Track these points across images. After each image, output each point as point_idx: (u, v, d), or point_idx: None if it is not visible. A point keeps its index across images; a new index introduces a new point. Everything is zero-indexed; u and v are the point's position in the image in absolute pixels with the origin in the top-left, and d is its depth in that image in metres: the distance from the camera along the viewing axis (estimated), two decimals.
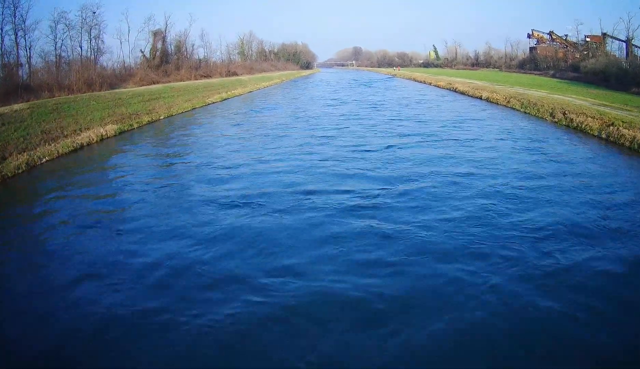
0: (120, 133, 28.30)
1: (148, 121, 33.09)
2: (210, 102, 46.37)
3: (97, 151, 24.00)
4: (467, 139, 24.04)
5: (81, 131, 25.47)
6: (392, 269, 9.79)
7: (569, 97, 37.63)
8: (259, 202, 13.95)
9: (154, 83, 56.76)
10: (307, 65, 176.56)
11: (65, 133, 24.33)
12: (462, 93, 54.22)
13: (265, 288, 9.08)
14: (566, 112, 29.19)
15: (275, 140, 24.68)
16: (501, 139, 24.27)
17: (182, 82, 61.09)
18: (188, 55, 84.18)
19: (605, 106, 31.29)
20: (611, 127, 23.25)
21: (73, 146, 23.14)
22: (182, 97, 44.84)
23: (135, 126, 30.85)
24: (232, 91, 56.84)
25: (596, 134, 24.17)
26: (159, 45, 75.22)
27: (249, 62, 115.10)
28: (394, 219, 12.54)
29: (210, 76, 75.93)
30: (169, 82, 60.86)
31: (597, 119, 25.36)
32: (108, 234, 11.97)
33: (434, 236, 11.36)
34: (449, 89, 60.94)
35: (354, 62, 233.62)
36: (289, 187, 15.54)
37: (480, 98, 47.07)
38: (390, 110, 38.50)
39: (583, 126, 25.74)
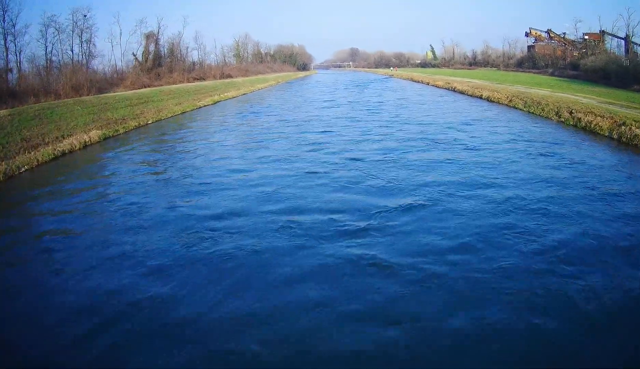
0: (104, 139, 26.96)
1: (135, 126, 31.72)
2: (201, 106, 44.99)
3: (79, 158, 22.61)
4: (474, 147, 21.58)
5: (63, 138, 24.13)
6: (393, 331, 7.50)
7: (574, 96, 36.20)
8: (230, 227, 11.90)
9: (145, 86, 55.45)
10: (304, 67, 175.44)
11: (47, 140, 22.98)
12: (462, 92, 52.83)
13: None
14: (573, 111, 27.78)
15: (261, 148, 22.79)
16: (511, 143, 22.16)
17: (174, 86, 59.76)
18: (182, 58, 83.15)
19: (611, 104, 29.83)
20: (623, 127, 21.79)
21: (54, 154, 21.77)
22: (173, 100, 43.47)
23: (122, 131, 29.48)
24: (225, 94, 55.46)
25: (607, 135, 22.69)
26: (152, 48, 73.94)
27: (244, 65, 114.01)
28: (394, 250, 10.28)
29: (204, 79, 74.54)
30: (161, 85, 59.63)
31: (606, 118, 23.91)
32: (51, 264, 10.31)
33: (446, 277, 9.09)
34: (448, 89, 59.54)
35: (350, 63, 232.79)
36: (267, 206, 13.54)
37: (481, 97, 45.61)
38: (388, 112, 36.52)
39: (592, 125, 24.27)
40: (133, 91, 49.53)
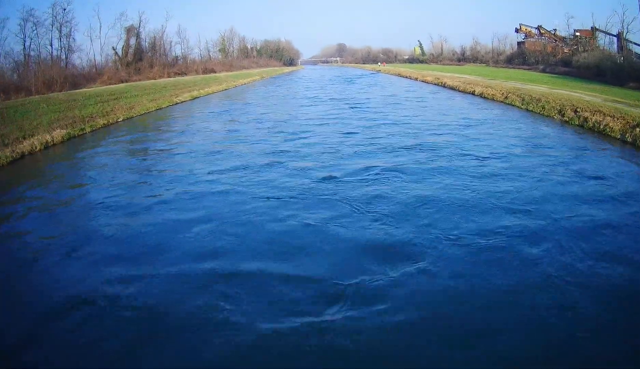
0: (69, 139, 24.52)
1: (104, 124, 29.16)
2: (178, 102, 42.45)
3: (39, 161, 20.21)
4: (481, 157, 17.53)
5: (24, 139, 21.62)
6: None
7: (573, 92, 33.82)
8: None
9: (123, 82, 52.96)
10: (291, 62, 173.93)
11: (6, 141, 20.50)
12: (452, 88, 50.49)
13: None
14: (578, 109, 25.46)
15: (218, 160, 18.34)
16: (533, 156, 17.91)
17: (153, 81, 57.24)
18: (165, 53, 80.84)
19: (617, 102, 27.49)
20: (638, 129, 19.52)
21: (12, 157, 19.42)
22: (149, 96, 40.91)
23: (88, 130, 26.92)
24: (206, 89, 52.88)
25: (618, 137, 20.37)
26: (132, 42, 71.56)
27: (228, 59, 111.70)
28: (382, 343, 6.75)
29: (186, 74, 72.10)
30: (140, 80, 57.11)
31: (617, 119, 21.52)
32: None
33: None
34: (438, 84, 57.15)
35: (338, 59, 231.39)
36: (199, 261, 9.35)
37: (473, 94, 43.18)
38: (375, 111, 32.71)
39: (601, 126, 21.86)
40: (108, 87, 47.09)
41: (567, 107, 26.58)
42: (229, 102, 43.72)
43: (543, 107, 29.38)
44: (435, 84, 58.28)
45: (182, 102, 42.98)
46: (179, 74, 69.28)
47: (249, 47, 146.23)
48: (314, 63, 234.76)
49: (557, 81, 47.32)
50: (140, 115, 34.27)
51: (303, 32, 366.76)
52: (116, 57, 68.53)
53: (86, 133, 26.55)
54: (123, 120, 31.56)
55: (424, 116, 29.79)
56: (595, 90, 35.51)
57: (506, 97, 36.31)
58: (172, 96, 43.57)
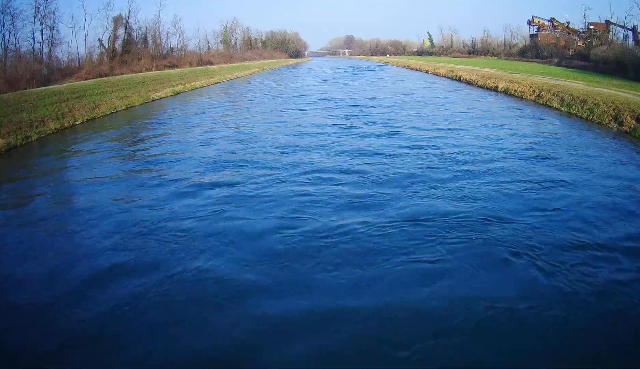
0: (7, 150, 19.80)
1: (56, 128, 24.25)
2: (156, 98, 37.45)
3: None
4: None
5: None
6: None
7: (621, 92, 28.08)
8: None
9: (102, 76, 47.87)
10: (297, 54, 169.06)
11: None
12: (469, 83, 45.05)
13: None
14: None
15: (153, 188, 13.55)
16: None
17: (139, 74, 52.06)
18: (159, 44, 76.13)
19: None
20: None
21: None
22: (121, 92, 35.71)
23: (35, 137, 22.15)
24: (193, 83, 47.94)
25: None
26: (120, 32, 66.76)
27: (229, 51, 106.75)
28: None
29: (178, 66, 66.82)
30: (123, 74, 51.97)
31: None
32: None
33: None
34: (451, 78, 51.84)
35: (346, 51, 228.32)
36: None
37: (496, 90, 37.87)
38: (386, 120, 24.50)
39: None
40: (83, 82, 42.01)
41: (626, 113, 20.91)
42: (214, 98, 38.70)
43: (591, 111, 23.94)
44: (449, 78, 52.90)
45: (161, 98, 38.02)
46: (169, 66, 64.04)
47: (252, 38, 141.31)
48: (322, 55, 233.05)
49: (578, 76, 42.69)
50: (105, 115, 29.30)
51: (311, 24, 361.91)
52: (102, 49, 63.89)
53: (32, 141, 21.86)
54: (82, 123, 26.62)
55: (460, 132, 20.89)
56: (627, 87, 31.02)
57: (539, 96, 31.05)
58: (151, 91, 38.52)
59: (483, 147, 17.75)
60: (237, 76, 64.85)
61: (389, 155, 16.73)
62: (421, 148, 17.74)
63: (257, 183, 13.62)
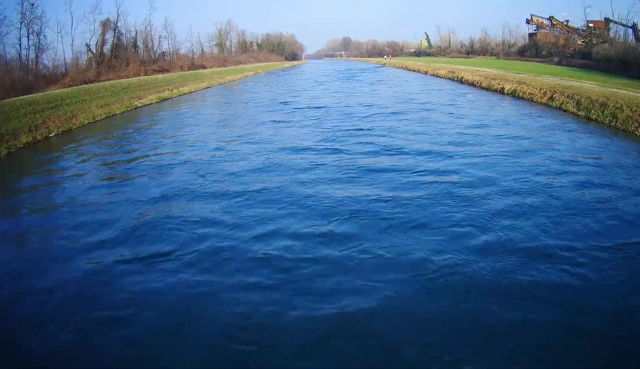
0: None
1: (27, 142, 22.55)
2: (139, 106, 35.78)
3: None
4: None
5: None
6: None
7: (624, 91, 26.81)
8: None
9: (87, 82, 46.35)
10: (293, 57, 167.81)
11: None
12: (472, 84, 43.16)
13: None
14: None
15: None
16: None
17: (124, 80, 50.40)
18: (150, 48, 74.69)
19: None
20: None
21: None
22: (102, 100, 34.03)
23: (4, 153, 20.41)
24: (181, 88, 46.21)
25: None
26: (109, 36, 65.35)
27: (224, 54, 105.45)
28: None
29: (169, 70, 65.19)
30: (109, 80, 50.44)
31: None
32: None
33: None
34: (453, 80, 49.78)
35: (343, 52, 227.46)
36: None
37: (502, 92, 35.99)
38: (388, 137, 20.18)
39: None
40: (65, 90, 40.55)
41: None
42: (196, 106, 36.63)
43: (613, 116, 21.54)
44: (450, 80, 50.83)
45: (145, 105, 36.39)
46: (159, 71, 62.41)
47: (247, 41, 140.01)
48: (319, 57, 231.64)
49: (583, 75, 41.37)
50: (83, 126, 27.71)
51: (308, 26, 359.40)
52: (89, 55, 62.48)
53: (1, 156, 20.17)
54: (57, 134, 25.06)
55: (518, 178, 13.94)
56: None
57: (551, 98, 28.93)
58: (134, 98, 36.89)
59: (533, 189, 12.65)
60: (229, 80, 63.16)
61: (398, 205, 11.54)
62: (447, 191, 12.53)
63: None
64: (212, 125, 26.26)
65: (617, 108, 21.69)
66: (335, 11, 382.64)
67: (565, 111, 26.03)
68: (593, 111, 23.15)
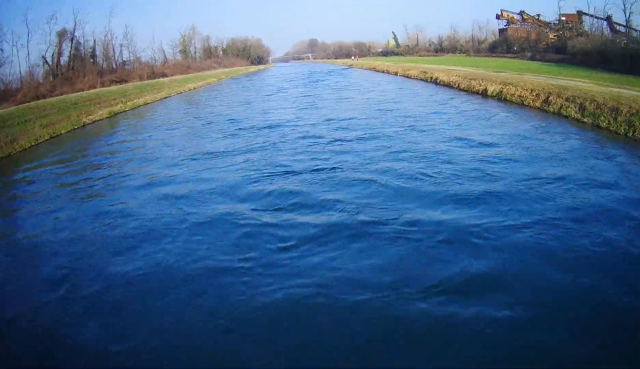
0: None
1: None
2: (88, 122, 32.80)
3: None
4: None
5: None
6: None
7: (623, 89, 24.64)
8: None
9: (41, 97, 43.21)
10: (259, 61, 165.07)
11: None
12: (449, 86, 39.41)
13: None
14: None
15: None
16: None
17: (78, 94, 47.42)
18: (113, 57, 71.81)
19: None
20: None
21: None
22: (47, 118, 30.99)
23: None
24: (136, 100, 43.05)
25: None
26: (66, 47, 62.23)
27: (186, 61, 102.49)
28: None
29: (127, 80, 62.14)
30: (64, 93, 47.37)
31: None
32: None
33: None
34: (426, 81, 46.36)
35: (309, 55, 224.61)
36: None
37: (485, 94, 32.32)
38: (366, 182, 13.56)
39: None
40: (16, 107, 37.51)
41: None
42: (132, 123, 33.22)
43: (630, 125, 17.85)
44: (423, 81, 47.48)
45: (93, 122, 33.34)
46: (117, 81, 59.31)
47: (212, 46, 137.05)
48: (286, 60, 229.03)
49: (563, 70, 39.90)
50: (24, 150, 24.65)
51: (275, 30, 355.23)
52: (46, 67, 59.26)
53: None
54: None
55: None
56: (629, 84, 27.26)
57: (546, 102, 25.16)
58: (83, 114, 33.75)
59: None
60: (189, 89, 59.82)
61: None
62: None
63: None
64: (133, 159, 19.67)
65: (632, 115, 18.21)
66: (301, 13, 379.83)
67: (565, 117, 22.39)
68: (602, 118, 19.59)
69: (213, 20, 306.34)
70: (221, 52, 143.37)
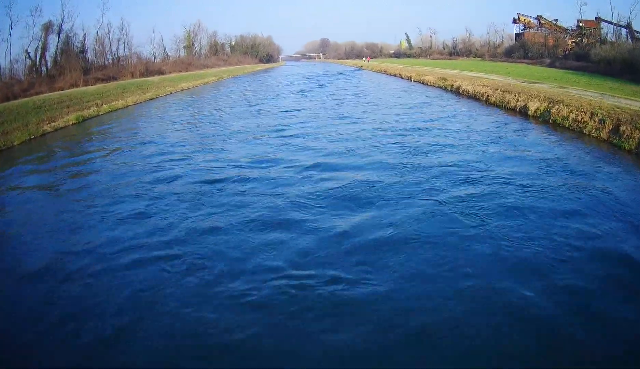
0: None
1: None
2: (49, 131, 27.93)
3: None
4: None
5: None
6: None
7: None
8: None
9: (12, 98, 38.64)
10: (269, 59, 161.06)
11: None
12: (473, 97, 33.52)
13: None
14: None
15: None
16: None
17: (58, 93, 42.79)
18: (104, 52, 67.51)
19: None
20: None
21: None
22: (1, 127, 26.50)
23: None
24: (115, 102, 38.40)
25: None
26: (52, 41, 57.97)
27: (188, 58, 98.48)
28: None
29: (116, 78, 57.51)
30: (41, 93, 42.84)
31: None
32: None
33: None
34: (445, 89, 40.59)
35: (320, 54, 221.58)
36: None
37: (525, 113, 25.86)
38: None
39: None
40: None
41: None
42: (97, 133, 28.42)
43: None
44: (441, 89, 41.54)
45: (55, 130, 28.67)
46: (104, 79, 54.60)
47: (219, 43, 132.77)
48: (297, 59, 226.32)
49: (592, 81, 35.51)
50: None
51: (287, 28, 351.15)
52: (29, 63, 54.91)
53: None
54: None
55: None
56: None
57: (616, 131, 18.56)
58: (46, 120, 29.05)
59: None
60: (182, 89, 55.09)
61: None
62: None
63: None
64: (91, 196, 14.32)
65: None
66: (314, 13, 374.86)
67: None
68: None
69: (223, 17, 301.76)
70: (229, 49, 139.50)
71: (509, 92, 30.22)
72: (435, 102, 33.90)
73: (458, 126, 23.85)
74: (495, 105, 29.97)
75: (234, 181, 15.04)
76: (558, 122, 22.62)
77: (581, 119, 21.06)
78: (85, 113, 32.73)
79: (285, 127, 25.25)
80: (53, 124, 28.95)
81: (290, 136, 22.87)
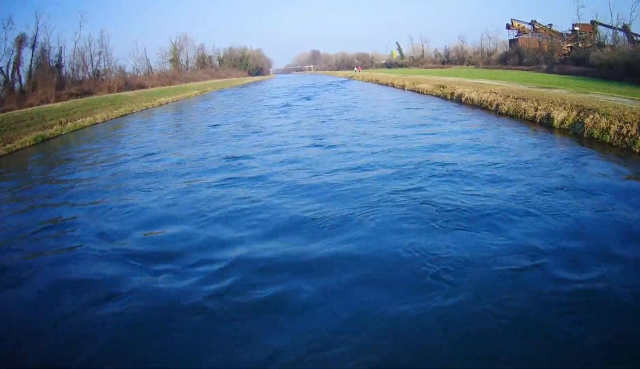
0: None
1: None
2: (3, 154, 24.70)
3: None
4: None
5: None
6: None
7: None
8: None
9: None
10: (258, 72, 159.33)
11: None
12: (479, 106, 29.74)
13: None
14: None
15: None
16: None
17: (33, 108, 40.24)
18: (84, 65, 64.95)
19: None
20: None
21: None
22: None
23: None
24: (82, 119, 35.35)
25: None
26: (27, 55, 55.40)
27: (176, 71, 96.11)
28: None
29: (92, 93, 54.81)
30: (9, 110, 40.11)
31: None
32: None
33: None
34: (443, 98, 36.81)
35: (311, 66, 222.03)
36: None
37: (546, 125, 22.02)
38: None
39: None
40: None
41: None
42: (50, 158, 24.70)
43: None
44: (439, 97, 37.66)
45: (11, 152, 25.36)
46: (78, 94, 51.83)
47: (207, 55, 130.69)
48: (288, 72, 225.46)
49: (596, 86, 33.13)
50: None
51: (277, 41, 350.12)
52: (2, 78, 52.31)
53: None
54: None
55: None
56: None
57: None
58: (1, 142, 26.07)
59: None
60: (161, 103, 52.07)
61: None
62: None
63: None
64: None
65: None
66: (304, 24, 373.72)
67: None
68: None
69: (212, 30, 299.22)
70: (217, 62, 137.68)
71: (523, 99, 26.35)
72: (441, 116, 27.64)
73: (490, 157, 16.35)
74: (507, 115, 26.01)
75: None
76: (595, 135, 18.29)
77: (627, 132, 16.75)
78: (47, 133, 29.54)
79: (234, 164, 17.80)
80: (8, 146, 25.78)
81: (234, 179, 15.33)
